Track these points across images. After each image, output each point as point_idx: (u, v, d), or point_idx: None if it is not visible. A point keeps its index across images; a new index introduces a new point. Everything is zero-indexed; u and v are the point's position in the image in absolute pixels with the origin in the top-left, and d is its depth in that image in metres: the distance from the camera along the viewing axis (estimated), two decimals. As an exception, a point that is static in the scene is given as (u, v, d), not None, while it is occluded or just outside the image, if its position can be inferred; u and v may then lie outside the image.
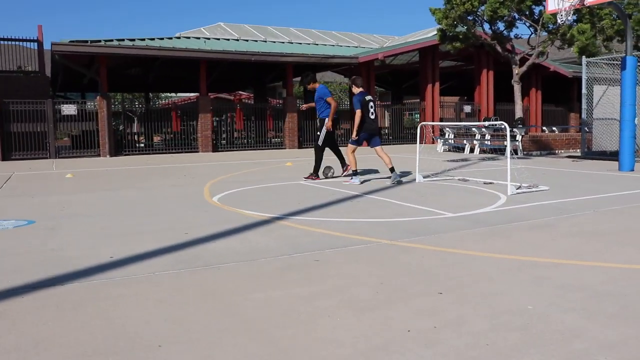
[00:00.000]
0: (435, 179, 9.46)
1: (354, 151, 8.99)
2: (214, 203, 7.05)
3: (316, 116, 9.63)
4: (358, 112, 8.75)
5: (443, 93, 26.35)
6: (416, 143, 9.57)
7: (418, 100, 24.76)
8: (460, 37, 17.59)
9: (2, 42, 20.72)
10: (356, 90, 9.02)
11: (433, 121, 22.88)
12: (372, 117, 8.92)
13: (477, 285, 3.41)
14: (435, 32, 19.01)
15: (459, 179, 9.29)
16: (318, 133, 9.49)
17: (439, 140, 19.18)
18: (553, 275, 3.61)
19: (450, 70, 29.00)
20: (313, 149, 9.67)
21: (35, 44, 20.21)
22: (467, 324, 2.76)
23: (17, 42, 20.35)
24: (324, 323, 2.81)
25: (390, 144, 23.55)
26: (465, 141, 17.97)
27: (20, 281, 3.63)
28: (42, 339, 2.66)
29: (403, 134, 24.89)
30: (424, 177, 9.30)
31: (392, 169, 8.91)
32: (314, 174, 9.50)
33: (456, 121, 23.62)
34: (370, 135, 9.03)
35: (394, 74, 31.29)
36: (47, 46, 18.50)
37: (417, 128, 9.69)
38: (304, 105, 10.69)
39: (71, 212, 6.51)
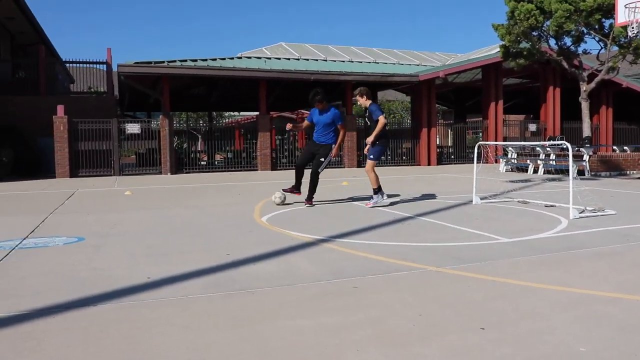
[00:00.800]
0: (493, 200, 9.04)
1: (373, 168, 8.39)
2: (262, 223, 6.97)
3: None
4: (382, 118, 8.07)
5: (507, 111, 25.58)
6: (479, 162, 9.19)
7: (481, 118, 24.13)
8: (524, 53, 16.99)
9: (74, 64, 21.82)
10: (367, 101, 8.38)
11: (496, 140, 22.21)
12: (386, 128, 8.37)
13: (525, 321, 3.12)
14: (498, 49, 18.48)
15: (518, 201, 8.84)
16: (322, 159, 8.69)
17: (501, 159, 18.54)
18: (614, 312, 3.26)
19: (514, 87, 28.18)
20: (310, 174, 8.71)
21: (104, 65, 21.11)
22: (509, 367, 2.49)
23: (87, 65, 21.36)
24: (349, 359, 2.61)
25: (452, 163, 23.05)
26: (528, 161, 17.27)
27: (56, 300, 3.62)
28: (60, 365, 2.60)
29: (465, 153, 24.29)
30: (481, 199, 8.91)
31: (376, 190, 8.43)
32: (310, 197, 8.77)
33: (521, 140, 22.82)
34: (386, 148, 8.59)
35: (456, 92, 30.71)
36: (115, 68, 19.23)
37: (479, 147, 9.25)
38: (290, 124, 9.02)
39: (121, 230, 6.59)
